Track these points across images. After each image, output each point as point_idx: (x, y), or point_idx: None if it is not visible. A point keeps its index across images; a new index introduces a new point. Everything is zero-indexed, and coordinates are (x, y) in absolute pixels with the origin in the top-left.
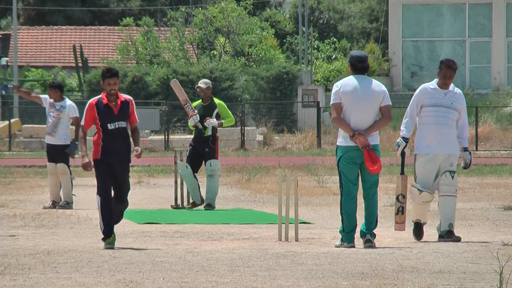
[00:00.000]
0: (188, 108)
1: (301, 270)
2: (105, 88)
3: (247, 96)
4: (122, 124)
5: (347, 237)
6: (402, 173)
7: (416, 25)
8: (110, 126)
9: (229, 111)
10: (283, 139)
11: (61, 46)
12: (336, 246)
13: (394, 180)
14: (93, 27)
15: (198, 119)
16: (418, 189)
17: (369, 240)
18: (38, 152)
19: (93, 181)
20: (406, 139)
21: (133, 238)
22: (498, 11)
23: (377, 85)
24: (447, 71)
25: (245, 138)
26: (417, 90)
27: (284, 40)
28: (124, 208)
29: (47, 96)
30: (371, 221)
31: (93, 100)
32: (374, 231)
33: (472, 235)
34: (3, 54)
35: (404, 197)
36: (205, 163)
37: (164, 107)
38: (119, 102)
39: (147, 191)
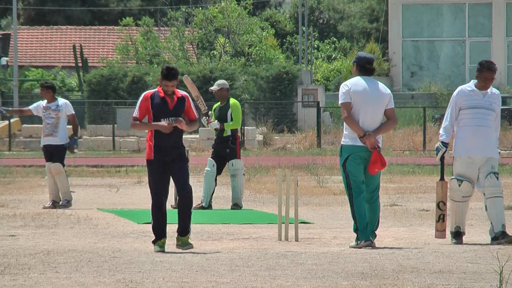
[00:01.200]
0: (200, 104)
1: (301, 270)
2: (162, 87)
3: (247, 96)
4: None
5: (363, 234)
6: (442, 179)
7: (416, 25)
8: (164, 121)
9: (239, 115)
10: (283, 139)
11: (61, 46)
12: (352, 247)
13: (394, 180)
14: (93, 27)
15: (208, 117)
16: (458, 179)
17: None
18: (38, 152)
19: (93, 181)
20: (445, 144)
21: (133, 238)
22: (498, 11)
23: (384, 87)
24: (489, 73)
25: (245, 138)
26: (455, 93)
27: (284, 40)
28: (189, 193)
29: (37, 104)
30: (373, 223)
31: (148, 92)
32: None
33: (472, 235)
34: (3, 54)
35: (444, 204)
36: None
37: None
38: (175, 98)
39: (147, 191)
